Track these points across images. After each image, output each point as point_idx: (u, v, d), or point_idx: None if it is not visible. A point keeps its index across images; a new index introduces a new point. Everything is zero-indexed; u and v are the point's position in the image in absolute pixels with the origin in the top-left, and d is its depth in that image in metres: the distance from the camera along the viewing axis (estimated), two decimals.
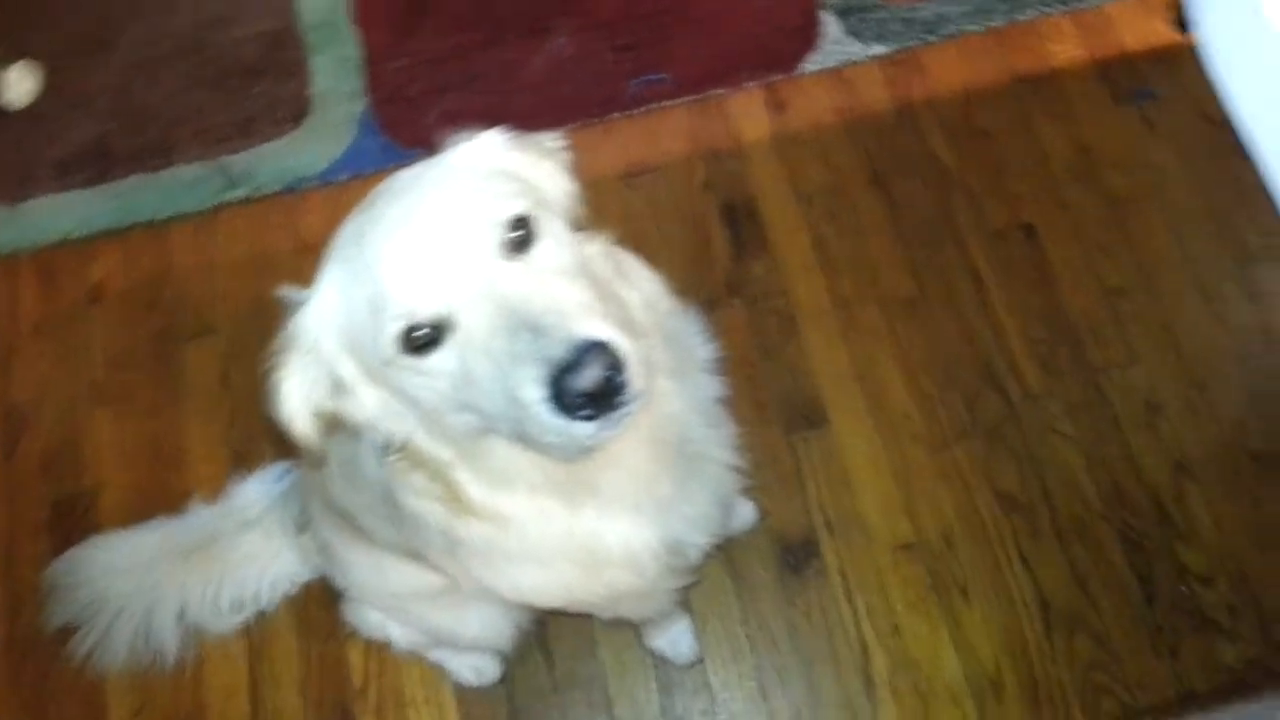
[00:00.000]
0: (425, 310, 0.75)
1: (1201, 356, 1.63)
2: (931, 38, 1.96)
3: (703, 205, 1.85)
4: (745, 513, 1.53)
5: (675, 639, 1.46)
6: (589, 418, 0.73)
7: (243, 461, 1.63)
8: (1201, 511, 1.53)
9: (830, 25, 1.98)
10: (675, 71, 1.95)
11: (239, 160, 1.93)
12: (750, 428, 1.63)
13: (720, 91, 1.94)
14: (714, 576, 1.54)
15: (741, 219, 1.83)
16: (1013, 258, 1.74)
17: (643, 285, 0.95)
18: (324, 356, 0.82)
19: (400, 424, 0.84)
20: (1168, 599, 1.48)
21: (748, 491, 1.56)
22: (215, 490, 1.54)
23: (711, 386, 1.03)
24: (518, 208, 0.77)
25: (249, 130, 1.95)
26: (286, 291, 0.83)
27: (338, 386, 0.83)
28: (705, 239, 1.82)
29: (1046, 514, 1.55)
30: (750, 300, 1.76)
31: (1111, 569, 1.51)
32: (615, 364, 0.73)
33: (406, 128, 1.91)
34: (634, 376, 0.74)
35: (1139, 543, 1.52)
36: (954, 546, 1.54)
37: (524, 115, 1.90)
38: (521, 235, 0.77)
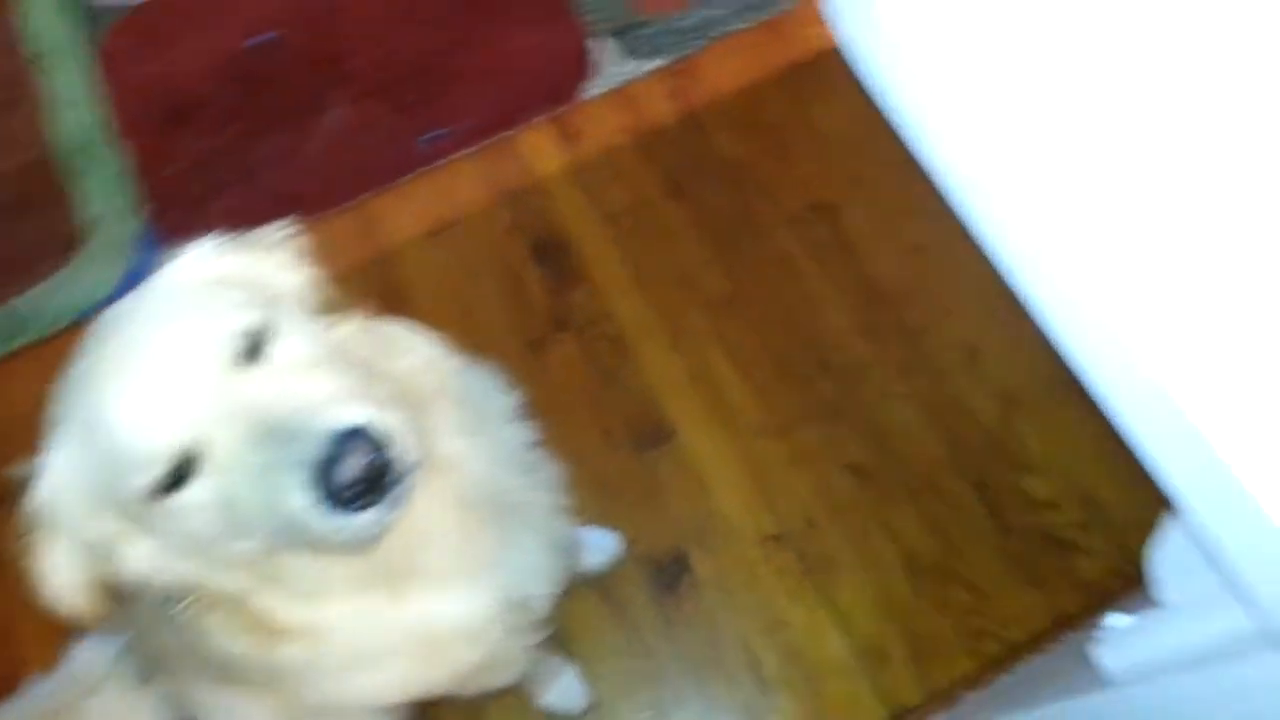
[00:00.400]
0: (166, 448, 0.70)
1: (1005, 294, 1.70)
2: (703, 42, 2.00)
3: (513, 248, 1.84)
4: (607, 544, 1.52)
5: (564, 690, 1.43)
6: (367, 505, 0.71)
7: (77, 623, 1.52)
8: (1035, 440, 1.59)
9: (605, 49, 2.00)
10: (460, 122, 1.94)
11: (21, 304, 1.82)
12: (601, 457, 1.65)
13: (509, 133, 1.94)
14: (591, 615, 1.52)
15: (553, 254, 1.83)
16: (818, 238, 1.79)
17: (417, 351, 0.93)
18: (74, 524, 0.76)
19: (182, 567, 0.79)
20: (1022, 531, 1.54)
21: (607, 522, 1.56)
22: (52, 660, 1.44)
23: (518, 434, 1.02)
24: (246, 315, 0.74)
25: (27, 269, 1.85)
26: (18, 467, 0.77)
27: (100, 550, 0.77)
28: (522, 281, 1.81)
29: (897, 475, 1.59)
30: (578, 331, 1.76)
31: (966, 514, 1.55)
32: (379, 444, 0.71)
33: (189, 234, 1.83)
34: (402, 451, 0.72)
35: (985, 483, 1.57)
36: (817, 527, 1.57)
37: (313, 196, 1.86)
38: (257, 340, 0.74)
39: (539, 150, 1.92)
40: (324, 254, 1.87)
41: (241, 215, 0.92)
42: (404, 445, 0.73)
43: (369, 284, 1.81)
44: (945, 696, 1.43)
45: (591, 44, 2.00)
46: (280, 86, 1.98)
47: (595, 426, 1.68)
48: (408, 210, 1.88)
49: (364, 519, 0.71)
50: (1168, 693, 0.76)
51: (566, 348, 1.75)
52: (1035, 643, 1.46)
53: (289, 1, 2.04)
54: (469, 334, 1.76)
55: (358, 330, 0.87)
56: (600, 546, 1.51)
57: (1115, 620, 0.83)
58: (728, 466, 1.62)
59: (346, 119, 1.95)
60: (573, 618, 1.51)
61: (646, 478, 1.63)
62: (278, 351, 0.75)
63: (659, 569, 1.56)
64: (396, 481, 0.72)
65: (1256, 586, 0.48)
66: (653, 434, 1.67)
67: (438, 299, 1.80)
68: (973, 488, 1.57)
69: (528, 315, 1.77)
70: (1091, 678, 0.86)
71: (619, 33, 2.01)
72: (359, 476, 0.70)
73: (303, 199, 1.84)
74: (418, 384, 0.88)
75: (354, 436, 0.70)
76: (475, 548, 0.93)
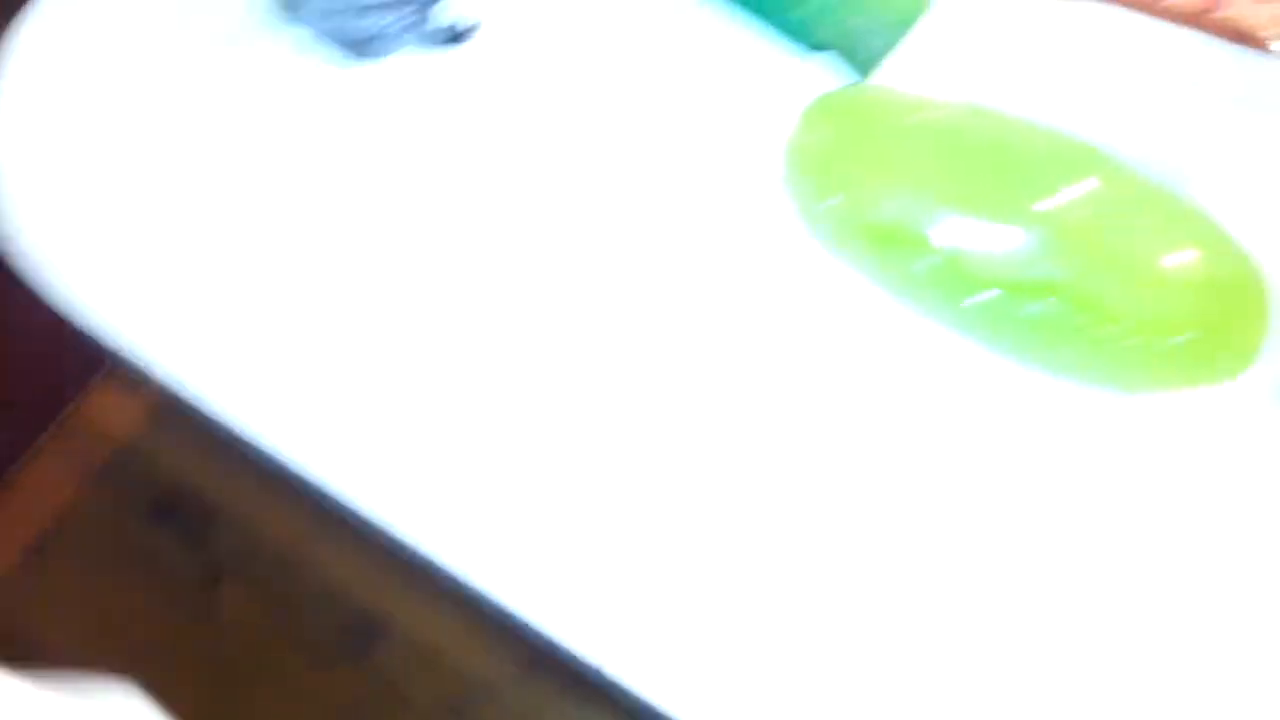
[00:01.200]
0: None
1: None
2: None
3: (129, 522, 1.64)
4: None
5: None
6: None
7: None
8: None
9: None
10: (8, 418, 1.71)
11: None
12: (323, 688, 1.50)
13: (70, 408, 1.72)
14: None
15: (175, 507, 1.64)
16: None
17: None
18: None
19: None
20: None
21: None
22: None
23: None
24: None
25: None
26: None
27: None
28: (154, 551, 1.62)
29: None
30: (240, 572, 1.60)
31: None
32: None
33: None
34: None
35: None
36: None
37: None
38: None
39: (110, 408, 1.72)
40: None
41: None
42: None
43: None
44: None
45: None
46: None
47: (305, 659, 1.52)
48: None
49: None
50: None
51: (238, 596, 1.58)
52: None
53: None
54: (120, 639, 1.56)
55: None
56: None
57: None
58: (447, 626, 1.52)
59: None
60: None
61: (379, 683, 1.50)
62: None
63: None
64: None
65: None
66: (365, 633, 1.53)
67: (69, 619, 1.57)
68: None
69: (177, 584, 1.59)
70: None
71: None
72: None
73: None
74: None
75: None
76: None
